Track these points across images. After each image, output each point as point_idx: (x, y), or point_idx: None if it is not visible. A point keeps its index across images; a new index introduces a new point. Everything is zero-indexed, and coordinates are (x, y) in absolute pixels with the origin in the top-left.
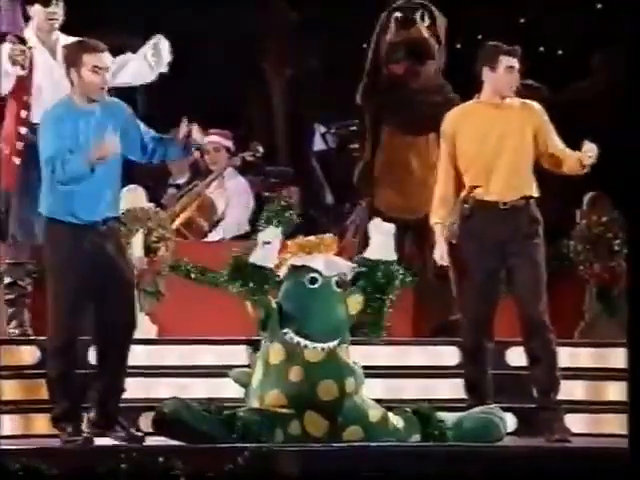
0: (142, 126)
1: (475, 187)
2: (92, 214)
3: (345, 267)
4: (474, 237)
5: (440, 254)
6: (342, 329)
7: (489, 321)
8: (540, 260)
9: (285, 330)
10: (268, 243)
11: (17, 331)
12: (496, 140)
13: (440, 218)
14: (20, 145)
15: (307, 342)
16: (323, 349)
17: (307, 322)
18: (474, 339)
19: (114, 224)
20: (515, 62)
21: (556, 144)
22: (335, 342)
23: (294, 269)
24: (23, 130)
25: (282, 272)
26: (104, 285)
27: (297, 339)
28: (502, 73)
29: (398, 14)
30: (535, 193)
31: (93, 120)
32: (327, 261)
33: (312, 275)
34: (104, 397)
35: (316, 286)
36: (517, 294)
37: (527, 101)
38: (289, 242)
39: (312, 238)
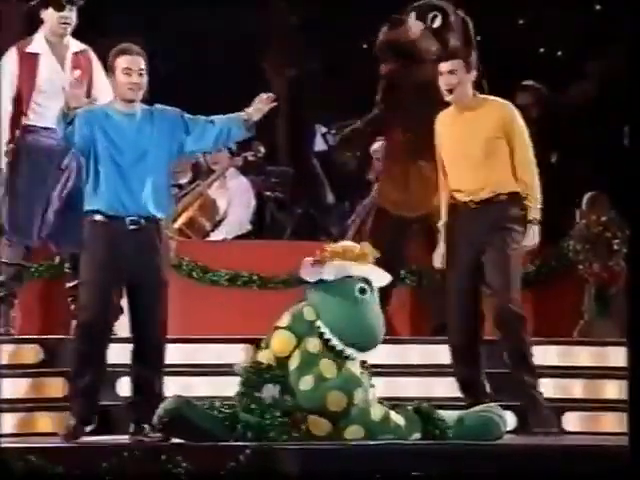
0: (192, 119)
1: (452, 190)
2: (120, 212)
3: (387, 279)
4: (451, 236)
5: (438, 255)
6: (381, 338)
7: (474, 319)
8: (510, 252)
9: (327, 336)
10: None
11: (1, 330)
12: (467, 140)
13: (443, 222)
14: (10, 147)
15: (352, 351)
16: (360, 361)
17: (355, 332)
18: (460, 338)
19: (148, 224)
20: (444, 66)
21: (522, 160)
22: (374, 351)
23: (344, 277)
24: (17, 132)
25: (327, 274)
26: (134, 284)
27: (342, 347)
28: (439, 77)
29: (395, 16)
30: (512, 189)
31: (133, 122)
32: (376, 272)
33: (362, 285)
34: (141, 395)
35: (366, 296)
36: (489, 286)
37: (502, 101)
38: (327, 246)
39: (353, 246)
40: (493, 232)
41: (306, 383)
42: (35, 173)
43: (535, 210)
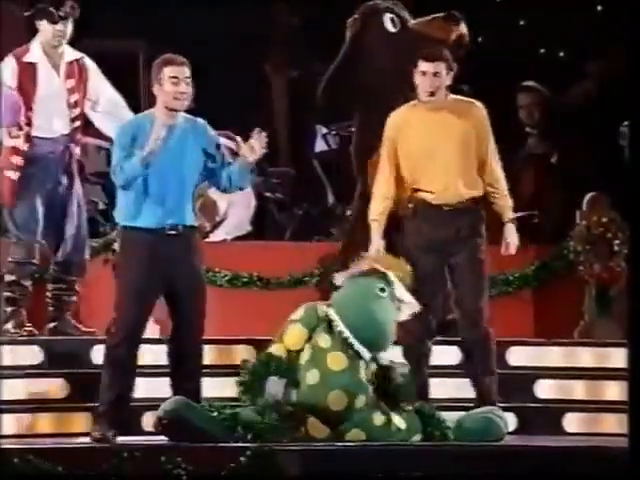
0: (224, 155)
1: (417, 189)
2: (158, 220)
3: (410, 300)
4: (416, 237)
5: (375, 250)
6: (391, 340)
7: (430, 321)
8: (480, 259)
9: (339, 329)
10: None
11: (16, 330)
12: (435, 143)
13: (377, 215)
14: (18, 160)
15: (362, 348)
16: (372, 359)
17: (368, 326)
18: (413, 339)
19: (186, 231)
20: (430, 67)
21: (493, 160)
22: (383, 352)
23: (365, 273)
24: (22, 144)
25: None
26: (175, 288)
27: (356, 345)
28: (418, 77)
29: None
30: (480, 193)
31: (175, 131)
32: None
33: (383, 285)
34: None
35: (385, 295)
36: (457, 291)
37: (472, 101)
38: (365, 254)
39: (390, 258)
40: (466, 238)
41: (313, 377)
42: (32, 183)
43: (510, 210)
